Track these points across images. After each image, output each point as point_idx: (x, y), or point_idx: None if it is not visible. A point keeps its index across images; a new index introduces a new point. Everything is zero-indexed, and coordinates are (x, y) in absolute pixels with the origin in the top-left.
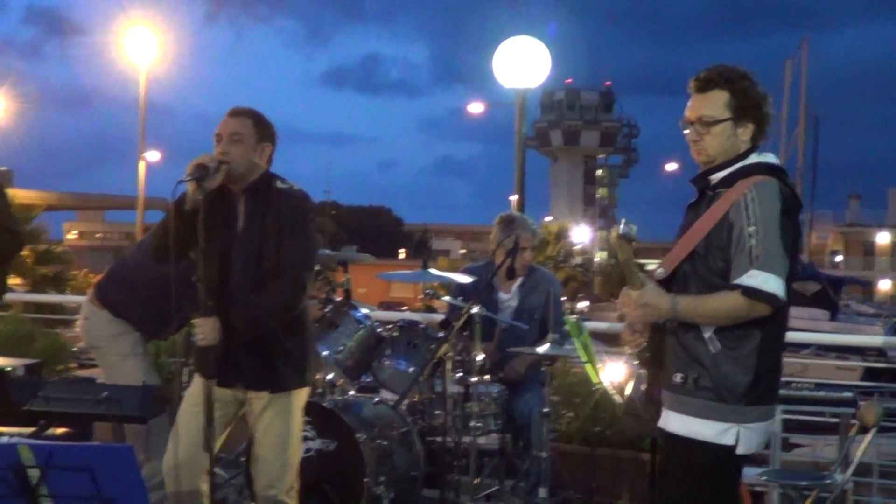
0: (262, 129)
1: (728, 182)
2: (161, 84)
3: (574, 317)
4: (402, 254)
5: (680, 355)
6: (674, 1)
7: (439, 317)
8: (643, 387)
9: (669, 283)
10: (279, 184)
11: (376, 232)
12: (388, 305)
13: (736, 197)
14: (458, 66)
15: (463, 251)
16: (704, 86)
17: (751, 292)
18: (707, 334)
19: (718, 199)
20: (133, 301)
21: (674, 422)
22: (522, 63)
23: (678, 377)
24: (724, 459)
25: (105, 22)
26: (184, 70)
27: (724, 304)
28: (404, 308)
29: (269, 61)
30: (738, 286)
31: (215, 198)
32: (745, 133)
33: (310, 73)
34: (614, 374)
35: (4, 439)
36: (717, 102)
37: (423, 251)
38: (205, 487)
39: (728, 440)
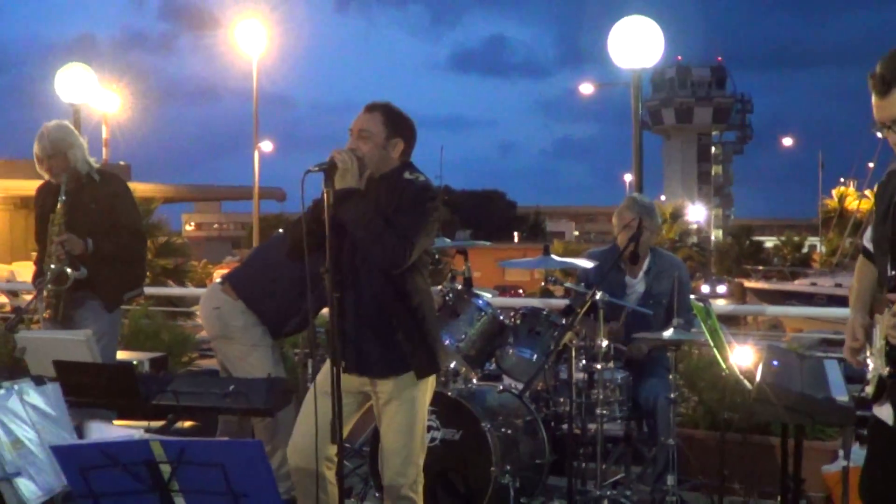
0: (394, 123)
1: None
2: (284, 75)
3: (702, 301)
4: (515, 237)
5: None
6: None
7: (562, 303)
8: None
9: None
10: (407, 174)
11: (489, 216)
12: (503, 289)
13: None
14: (582, 47)
15: (577, 233)
16: (886, 88)
17: None
18: None
19: None
20: (266, 295)
21: None
22: (636, 43)
23: None
24: None
25: (234, 15)
26: (310, 60)
27: None
28: (520, 291)
29: (395, 47)
30: None
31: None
32: None
33: (436, 57)
34: (742, 358)
35: (137, 435)
36: None
37: (537, 234)
38: (330, 474)
39: None
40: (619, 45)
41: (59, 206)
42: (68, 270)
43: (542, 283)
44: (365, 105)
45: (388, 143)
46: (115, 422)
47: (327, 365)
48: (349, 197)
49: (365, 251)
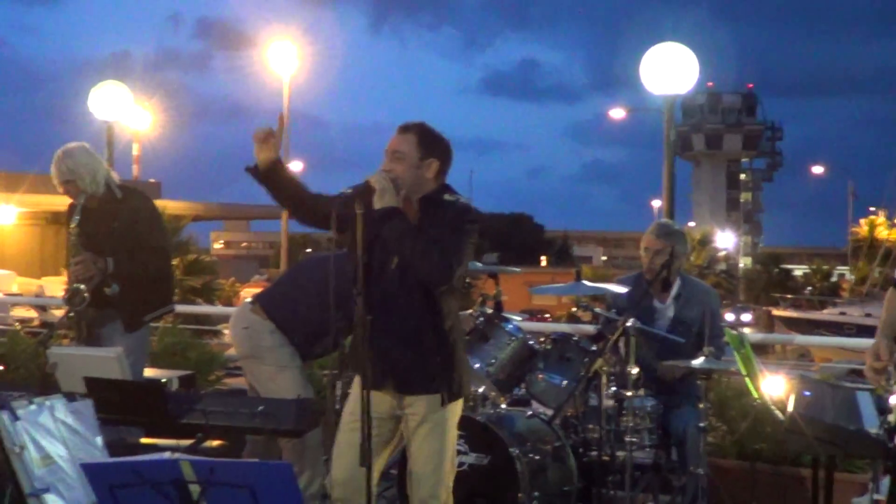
0: (428, 144)
1: None
2: (315, 95)
3: (736, 329)
4: (543, 261)
5: None
6: None
7: (591, 329)
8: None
9: None
10: (447, 196)
11: (517, 239)
12: (530, 313)
13: None
14: (614, 72)
15: (604, 258)
16: None
17: None
18: None
19: None
20: (295, 316)
21: None
22: (670, 69)
23: None
24: None
25: (267, 35)
26: (342, 81)
27: None
28: (547, 316)
29: (427, 70)
30: None
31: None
32: None
33: (467, 80)
34: (774, 388)
35: (167, 455)
36: None
37: (564, 258)
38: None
39: None
40: (652, 71)
41: (72, 226)
42: (83, 288)
43: (575, 309)
44: (399, 126)
45: (421, 163)
46: (143, 439)
47: (355, 389)
48: (392, 215)
49: (409, 269)
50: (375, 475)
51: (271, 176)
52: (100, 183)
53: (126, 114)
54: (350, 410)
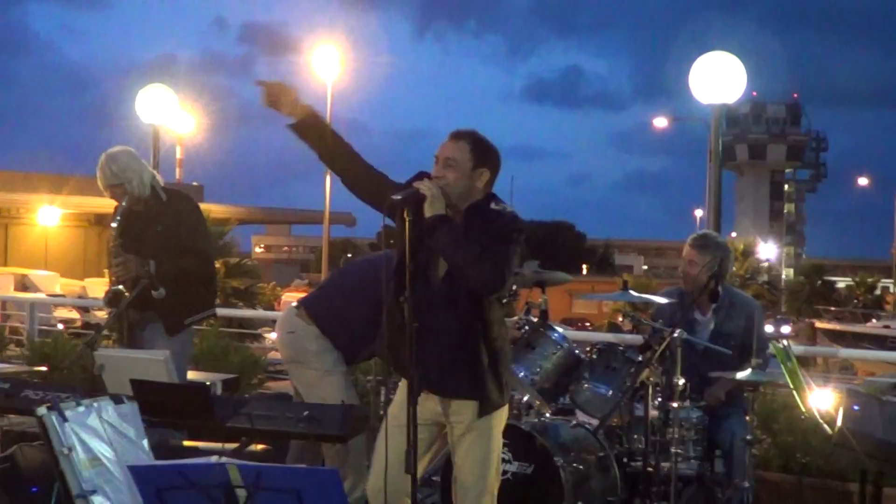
0: (481, 153)
1: None
2: (358, 101)
3: (782, 342)
4: (584, 269)
5: None
6: (871, 7)
7: (637, 339)
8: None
9: None
10: (493, 205)
11: (558, 247)
12: (570, 322)
13: None
14: (658, 80)
15: (645, 267)
16: None
17: None
18: None
19: None
20: (340, 321)
21: None
22: (718, 79)
23: None
24: None
25: (311, 41)
26: (384, 86)
27: None
28: (588, 325)
29: (470, 77)
30: None
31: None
32: None
33: (510, 87)
34: (822, 402)
35: (214, 459)
36: None
37: (605, 267)
38: None
39: None
40: (700, 80)
41: (114, 226)
42: (123, 290)
43: (622, 319)
44: (450, 132)
45: (474, 172)
46: (185, 442)
47: (399, 396)
48: (442, 223)
49: (458, 277)
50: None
51: (309, 132)
52: (146, 185)
53: (171, 117)
54: (393, 415)
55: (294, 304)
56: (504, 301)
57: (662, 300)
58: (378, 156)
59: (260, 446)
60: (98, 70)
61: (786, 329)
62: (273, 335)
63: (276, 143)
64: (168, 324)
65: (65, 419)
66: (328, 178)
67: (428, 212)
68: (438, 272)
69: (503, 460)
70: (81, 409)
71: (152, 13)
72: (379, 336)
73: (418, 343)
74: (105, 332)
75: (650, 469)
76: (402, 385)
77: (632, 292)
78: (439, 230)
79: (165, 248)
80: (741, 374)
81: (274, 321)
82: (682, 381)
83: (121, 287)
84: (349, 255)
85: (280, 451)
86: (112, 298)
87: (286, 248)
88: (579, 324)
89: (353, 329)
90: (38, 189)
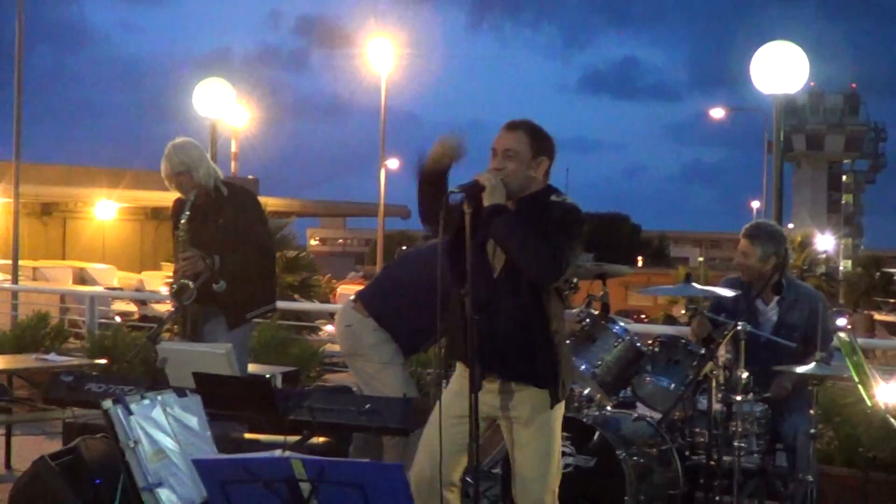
0: (539, 142)
1: None
2: (412, 93)
3: (847, 335)
4: (639, 261)
5: None
6: None
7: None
8: None
9: None
10: (554, 197)
11: (613, 239)
12: (626, 314)
13: None
14: (715, 71)
15: (701, 258)
16: None
17: None
18: None
19: None
20: (397, 313)
21: None
22: (780, 68)
23: None
24: None
25: (365, 33)
26: (439, 78)
27: None
28: (643, 317)
29: (526, 68)
30: None
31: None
32: None
33: (566, 79)
34: (889, 395)
35: (278, 453)
36: None
37: (661, 259)
38: (452, 497)
39: None
40: (762, 70)
41: (182, 221)
42: (191, 284)
43: (684, 311)
44: (506, 123)
45: (533, 162)
46: (248, 435)
47: (452, 386)
48: (500, 212)
49: (516, 267)
50: (457, 473)
51: (434, 181)
52: (211, 176)
53: (228, 111)
54: (445, 405)
55: (352, 297)
56: (564, 294)
57: (727, 292)
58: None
59: (321, 439)
60: (154, 64)
61: (841, 321)
62: (329, 328)
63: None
64: (230, 318)
65: (130, 412)
66: (382, 171)
67: (487, 201)
68: (497, 263)
69: (565, 453)
70: (146, 402)
71: (208, 7)
72: (437, 327)
73: (479, 335)
74: (167, 325)
75: (712, 463)
76: (456, 376)
77: (695, 285)
78: (497, 219)
79: (227, 242)
80: (805, 368)
81: (330, 314)
82: (745, 374)
83: (189, 282)
84: (404, 248)
85: (342, 444)
86: (178, 292)
87: (341, 240)
88: (635, 316)
89: (410, 320)
90: (96, 183)
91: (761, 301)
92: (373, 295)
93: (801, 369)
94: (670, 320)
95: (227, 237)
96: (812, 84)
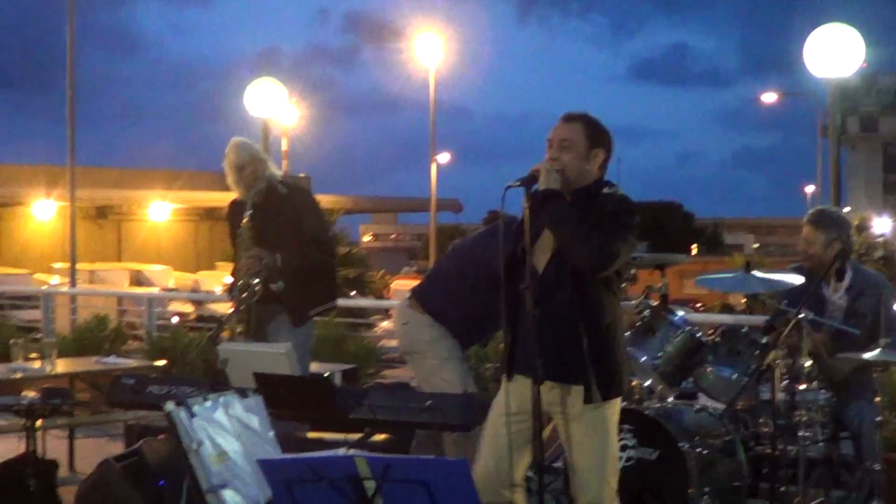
0: (595, 134)
1: None
2: (461, 86)
3: None
4: (693, 249)
5: None
6: None
7: (758, 320)
8: None
9: None
10: (606, 189)
11: (667, 227)
12: (681, 303)
13: None
14: (766, 56)
15: (756, 245)
16: None
17: None
18: None
19: None
20: (451, 307)
21: None
22: (835, 52)
23: None
24: None
25: (414, 27)
26: (488, 71)
27: None
28: (699, 306)
29: (575, 58)
30: None
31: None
32: None
33: (615, 67)
34: None
35: (342, 451)
36: None
37: (715, 246)
38: (517, 497)
39: None
40: (816, 54)
41: (245, 220)
42: (255, 282)
43: (744, 300)
44: (562, 115)
45: (589, 153)
46: (310, 434)
47: (504, 387)
48: (553, 197)
49: (566, 256)
50: (520, 472)
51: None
52: (273, 173)
53: (279, 110)
54: (499, 401)
55: (407, 294)
56: (617, 289)
57: (795, 278)
58: (482, 140)
59: (382, 436)
60: (205, 65)
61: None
62: (385, 323)
63: (381, 131)
64: (294, 316)
65: (192, 414)
66: (433, 165)
67: (541, 186)
68: (542, 260)
69: (627, 446)
70: (208, 403)
71: (256, 7)
72: (494, 314)
73: (529, 329)
74: (227, 325)
75: (777, 453)
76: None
77: (756, 274)
78: (550, 203)
79: (288, 240)
80: (870, 355)
81: (386, 310)
82: (808, 363)
83: (253, 280)
84: (455, 242)
85: (404, 441)
86: (243, 291)
87: (393, 235)
88: (691, 304)
89: (465, 314)
90: (150, 185)
91: (828, 290)
92: (426, 291)
93: (866, 356)
94: (727, 309)
95: (287, 235)
96: (864, 65)
